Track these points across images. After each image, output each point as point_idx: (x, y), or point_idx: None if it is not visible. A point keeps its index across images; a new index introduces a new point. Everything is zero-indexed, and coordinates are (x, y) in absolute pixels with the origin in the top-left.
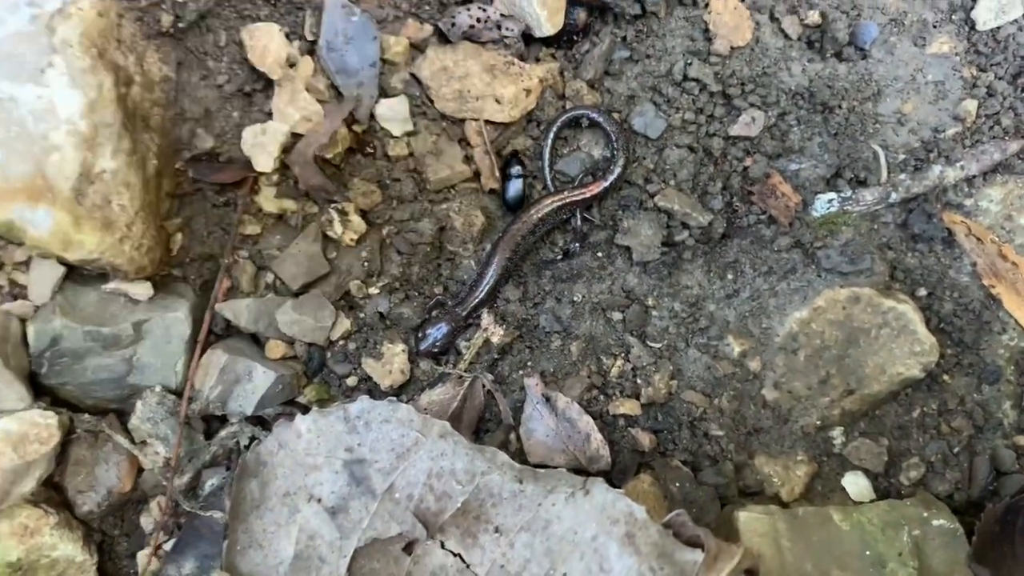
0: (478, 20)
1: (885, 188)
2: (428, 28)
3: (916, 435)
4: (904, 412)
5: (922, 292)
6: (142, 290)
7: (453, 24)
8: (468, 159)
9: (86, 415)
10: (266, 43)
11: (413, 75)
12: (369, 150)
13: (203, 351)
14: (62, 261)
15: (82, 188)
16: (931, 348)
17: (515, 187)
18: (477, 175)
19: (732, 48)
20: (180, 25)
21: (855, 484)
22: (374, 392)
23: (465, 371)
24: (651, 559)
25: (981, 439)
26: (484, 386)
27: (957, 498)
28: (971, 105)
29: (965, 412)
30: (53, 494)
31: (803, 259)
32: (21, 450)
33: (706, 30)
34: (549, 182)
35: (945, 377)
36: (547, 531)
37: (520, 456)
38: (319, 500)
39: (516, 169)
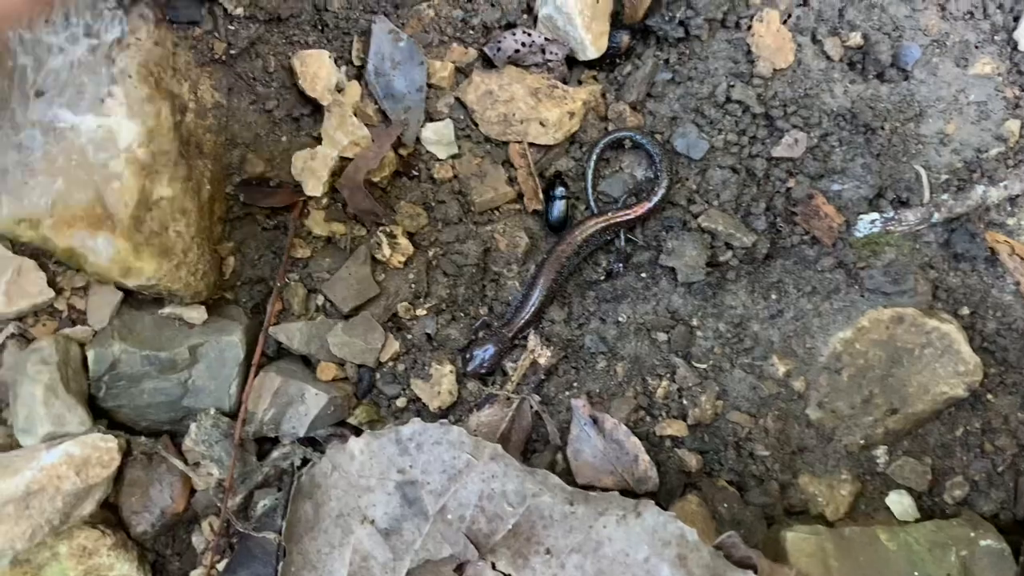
0: (523, 44)
1: (928, 208)
2: (473, 52)
3: (960, 454)
4: (947, 431)
5: (965, 311)
6: (197, 314)
7: (499, 49)
8: (511, 181)
9: (142, 437)
10: (316, 69)
11: (458, 99)
12: (415, 173)
13: (256, 373)
14: (120, 287)
15: (141, 216)
16: (975, 367)
17: (559, 208)
18: (520, 197)
19: (774, 70)
20: (232, 52)
21: (899, 503)
22: (423, 413)
23: (512, 392)
24: None
25: None
26: (531, 407)
27: (1003, 517)
28: (1014, 125)
29: (1009, 431)
30: (109, 515)
31: (846, 279)
32: (84, 474)
33: (748, 52)
34: (593, 204)
35: (989, 396)
36: (598, 553)
37: (567, 477)
38: (372, 521)
39: (560, 191)
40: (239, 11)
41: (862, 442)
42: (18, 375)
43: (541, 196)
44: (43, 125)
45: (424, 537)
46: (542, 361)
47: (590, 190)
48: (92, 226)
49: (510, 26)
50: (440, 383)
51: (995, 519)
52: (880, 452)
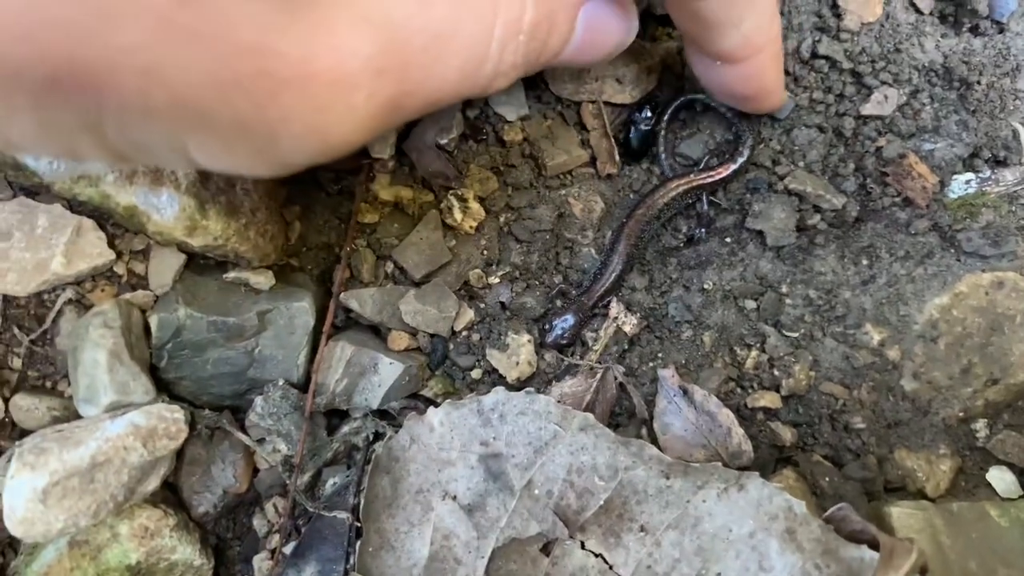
0: None
1: None
2: None
3: None
4: None
5: None
6: (264, 279)
7: None
8: (584, 144)
9: (206, 411)
10: None
11: None
12: (483, 136)
13: (326, 342)
14: (183, 248)
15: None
16: None
17: (639, 134)
18: (594, 161)
19: (862, 24)
20: None
21: (1001, 480)
22: (499, 385)
23: (595, 363)
24: (815, 556)
25: None
26: (616, 378)
27: None
28: None
29: None
30: (169, 494)
31: (941, 243)
32: (151, 445)
33: (834, 5)
34: (666, 167)
35: None
36: (697, 529)
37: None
38: (454, 497)
39: (646, 114)
40: None
41: (961, 415)
42: (78, 342)
43: (618, 159)
44: None
45: (510, 514)
46: (627, 329)
47: (662, 154)
48: (155, 182)
49: None
50: (518, 353)
51: None
52: (980, 425)
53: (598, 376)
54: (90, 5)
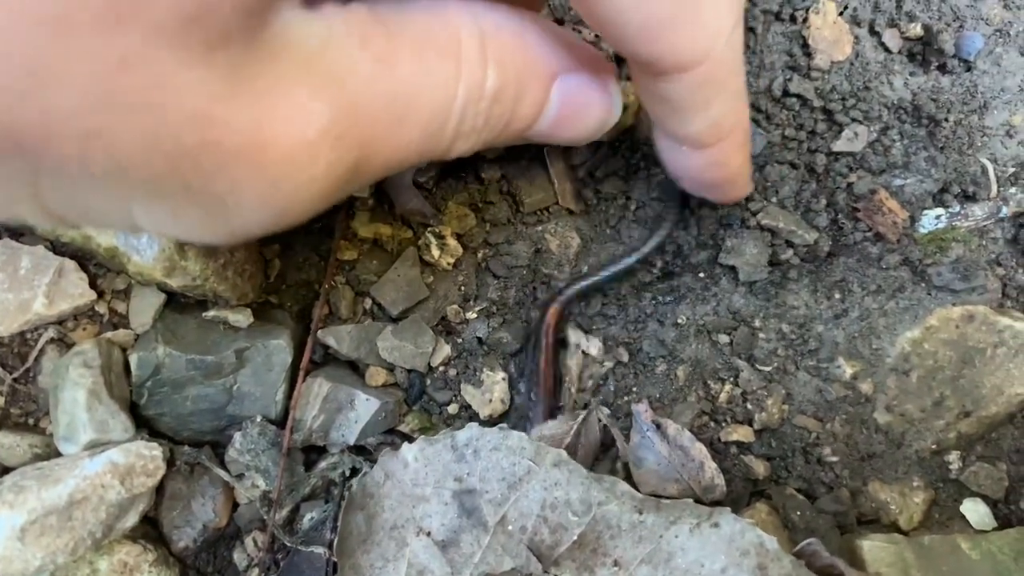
0: None
1: (995, 202)
2: None
3: None
4: (1021, 435)
5: None
6: (242, 317)
7: None
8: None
9: (186, 447)
10: None
11: None
12: (461, 174)
13: (304, 379)
14: (163, 288)
15: None
16: None
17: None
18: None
19: (832, 62)
20: None
21: (975, 511)
22: (475, 421)
23: (576, 396)
24: None
25: None
26: (600, 420)
27: None
28: None
29: None
30: (150, 529)
31: (912, 277)
32: (128, 483)
33: (805, 44)
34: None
35: None
36: (670, 564)
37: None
38: (428, 533)
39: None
40: None
41: (934, 447)
42: (59, 380)
43: (576, 202)
44: None
45: (484, 550)
46: (593, 352)
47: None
48: None
49: (558, 23)
50: (491, 390)
51: None
52: (953, 457)
53: (580, 418)
54: (22, 67)
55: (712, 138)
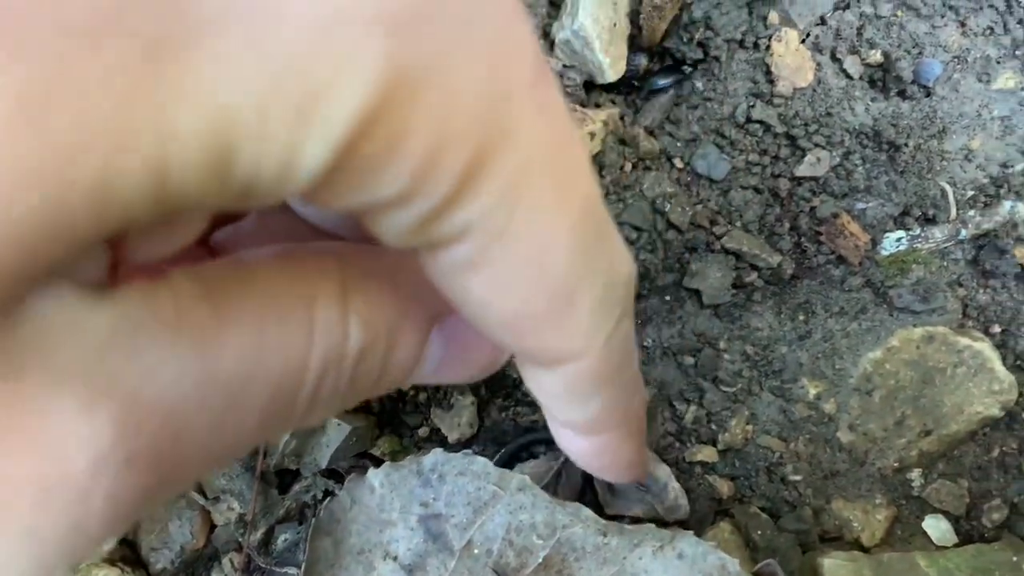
0: None
1: (955, 225)
2: None
3: (997, 476)
4: (983, 452)
5: (996, 329)
6: None
7: None
8: None
9: None
10: None
11: None
12: None
13: None
14: None
15: None
16: (1010, 386)
17: None
18: None
19: (795, 89)
20: None
21: (937, 528)
22: (446, 445)
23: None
24: None
25: None
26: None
27: None
28: None
29: None
30: (128, 552)
31: (874, 298)
32: None
33: (768, 72)
34: None
35: None
36: None
37: (595, 507)
38: (395, 558)
39: None
40: None
41: (896, 465)
42: None
43: None
44: None
45: (450, 573)
46: None
47: None
48: None
49: None
50: (461, 414)
51: None
52: (915, 475)
53: (561, 459)
54: None
55: (597, 429)
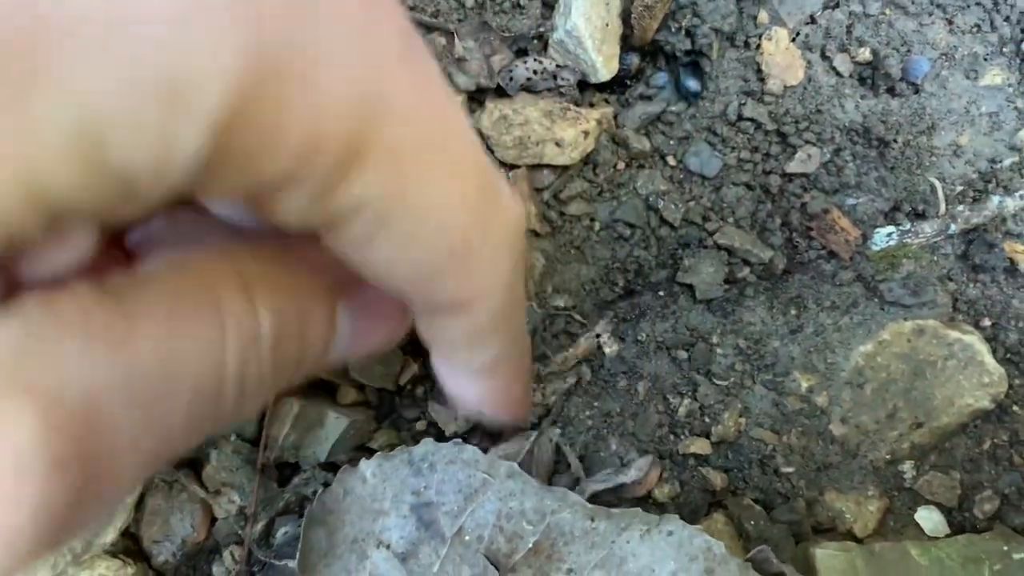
0: (534, 72)
1: (944, 220)
2: (485, 80)
3: (988, 467)
4: (975, 444)
5: (986, 323)
6: None
7: (511, 78)
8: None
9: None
10: None
11: (474, 126)
12: None
13: (277, 399)
14: None
15: None
16: (1000, 379)
17: None
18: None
19: (785, 87)
20: None
21: (929, 519)
22: (442, 437)
23: (534, 425)
24: None
25: None
26: (551, 440)
27: None
28: None
29: None
30: (130, 544)
31: (865, 293)
32: None
33: (759, 70)
34: None
35: (1015, 407)
36: (622, 569)
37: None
38: (388, 546)
39: None
40: None
41: (888, 457)
42: None
43: (538, 224)
44: None
45: (442, 560)
46: (555, 368)
47: None
48: None
49: (521, 54)
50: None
51: None
52: (907, 467)
53: (532, 438)
54: None
55: (493, 371)
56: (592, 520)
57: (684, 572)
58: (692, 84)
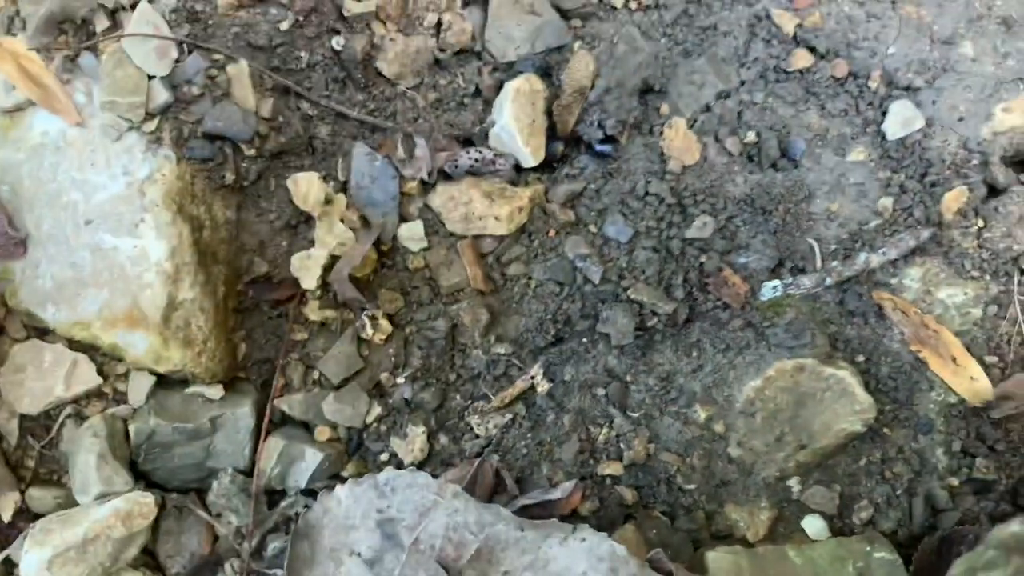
0: (476, 160)
1: (821, 274)
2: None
3: (864, 481)
4: (852, 461)
5: (861, 359)
6: (215, 392)
7: (456, 165)
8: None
9: (174, 494)
10: (307, 188)
11: (426, 204)
12: (391, 264)
13: (265, 438)
14: (153, 372)
15: (169, 315)
16: (869, 406)
17: None
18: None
19: (684, 166)
20: (242, 182)
21: (813, 526)
22: (401, 466)
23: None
24: None
25: (919, 482)
26: (492, 466)
27: (901, 534)
28: (887, 201)
29: (904, 459)
30: (148, 559)
31: (755, 337)
32: (128, 524)
33: (661, 153)
34: None
35: (885, 430)
36: (546, 569)
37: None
38: (359, 554)
39: None
40: (251, 152)
41: (778, 474)
42: (74, 447)
43: (483, 283)
44: (91, 247)
45: (402, 565)
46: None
47: None
48: (131, 325)
49: (466, 144)
50: (414, 442)
51: (894, 535)
52: (794, 482)
53: (474, 465)
54: None
55: None
56: (522, 530)
57: (593, 571)
58: (605, 148)
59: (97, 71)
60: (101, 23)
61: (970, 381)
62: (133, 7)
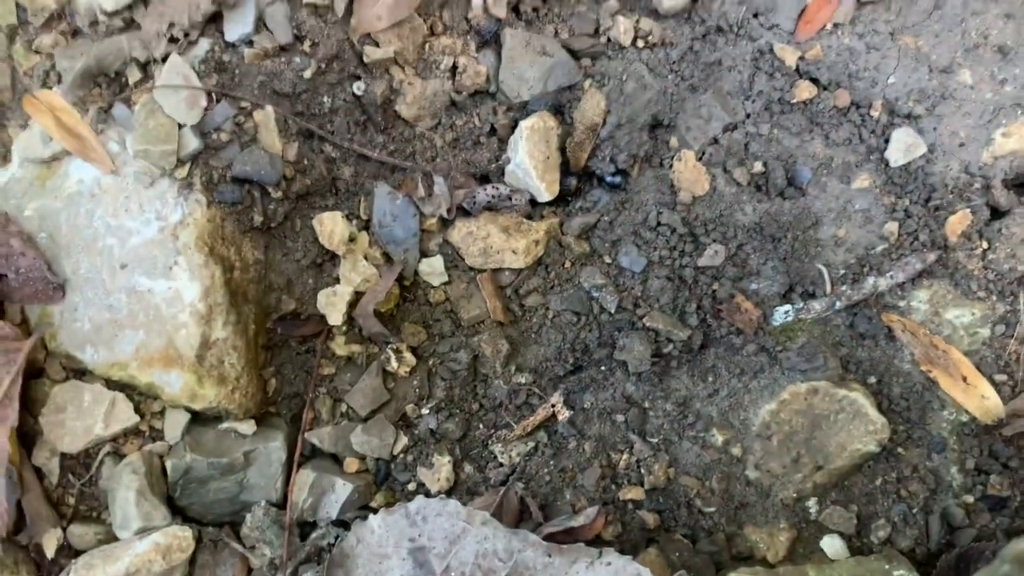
0: (493, 196)
1: (831, 298)
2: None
3: (881, 500)
4: (868, 481)
5: (872, 380)
6: (248, 427)
7: (474, 202)
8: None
9: (210, 527)
10: (332, 228)
11: (446, 239)
12: (414, 299)
13: (297, 471)
14: (188, 409)
15: (203, 354)
16: (882, 427)
17: None
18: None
19: (694, 197)
20: (270, 223)
21: (831, 546)
22: (429, 495)
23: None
24: None
25: (935, 500)
26: (517, 494)
27: (919, 552)
28: (893, 226)
29: (919, 478)
30: None
31: (768, 361)
32: (167, 558)
33: (672, 185)
34: None
35: (900, 450)
36: None
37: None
38: None
39: None
40: (278, 194)
41: (795, 495)
42: (114, 484)
43: (502, 315)
44: (127, 289)
45: None
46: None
47: None
48: (166, 365)
49: (484, 182)
50: (440, 471)
51: (912, 553)
52: (812, 503)
53: (501, 493)
54: None
55: None
56: (549, 556)
57: None
58: (617, 181)
59: (130, 121)
60: (133, 75)
61: (981, 400)
62: (164, 59)
